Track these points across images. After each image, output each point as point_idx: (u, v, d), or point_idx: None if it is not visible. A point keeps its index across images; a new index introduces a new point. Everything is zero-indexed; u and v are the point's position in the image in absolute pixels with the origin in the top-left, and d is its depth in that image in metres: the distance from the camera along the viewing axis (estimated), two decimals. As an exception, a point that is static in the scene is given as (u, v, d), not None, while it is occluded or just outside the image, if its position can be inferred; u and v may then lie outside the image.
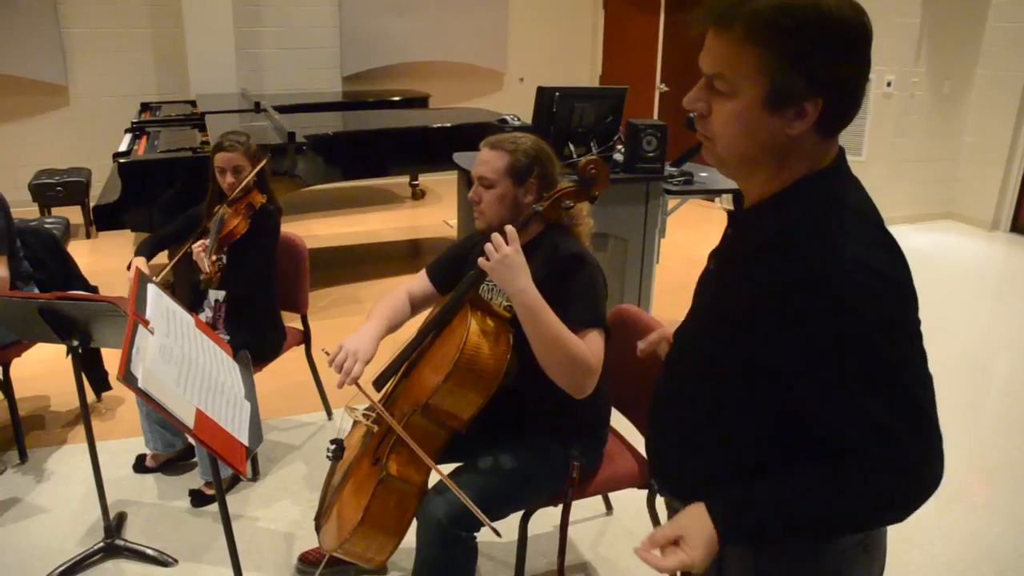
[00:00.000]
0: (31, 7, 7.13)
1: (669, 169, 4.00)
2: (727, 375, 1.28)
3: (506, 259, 1.94)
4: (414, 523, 2.13)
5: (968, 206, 7.54)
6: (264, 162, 3.22)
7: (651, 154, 3.76)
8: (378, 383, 2.22)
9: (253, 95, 6.74)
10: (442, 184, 8.16)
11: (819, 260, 1.12)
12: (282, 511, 3.07)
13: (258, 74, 7.96)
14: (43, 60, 7.29)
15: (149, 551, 2.81)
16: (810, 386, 1.17)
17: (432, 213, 7.44)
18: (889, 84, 7.01)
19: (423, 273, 2.52)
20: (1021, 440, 3.70)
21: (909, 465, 1.14)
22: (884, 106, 7.08)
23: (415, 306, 2.46)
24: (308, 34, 8.09)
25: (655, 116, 8.83)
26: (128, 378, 1.66)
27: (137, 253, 3.24)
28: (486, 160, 2.21)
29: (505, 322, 2.10)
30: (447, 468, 2.21)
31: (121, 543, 2.82)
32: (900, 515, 1.17)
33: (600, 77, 9.28)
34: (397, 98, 7.34)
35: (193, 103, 6.79)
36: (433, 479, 2.13)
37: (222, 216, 3.12)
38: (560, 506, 2.28)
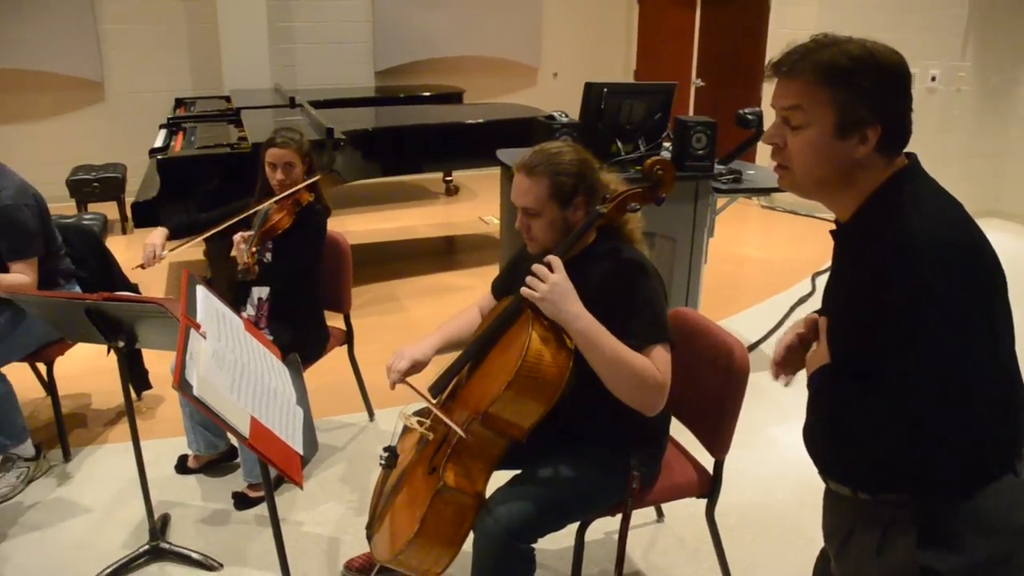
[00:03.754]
0: (68, 4, 7.15)
1: (718, 167, 3.90)
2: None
3: (555, 287, 1.90)
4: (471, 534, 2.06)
5: (1014, 203, 7.35)
6: (318, 178, 3.21)
7: (700, 152, 3.65)
8: (434, 389, 2.15)
9: (287, 90, 6.72)
10: (476, 180, 8.09)
11: (888, 236, 1.31)
12: (326, 514, 3.02)
13: (291, 69, 7.93)
14: (79, 56, 7.32)
15: (194, 555, 2.77)
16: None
17: (467, 209, 7.38)
18: (933, 79, 6.85)
19: (490, 289, 2.45)
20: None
21: None
22: (928, 101, 6.92)
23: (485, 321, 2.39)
24: (341, 29, 8.06)
25: (691, 111, 8.71)
26: (183, 386, 1.60)
27: (166, 225, 3.20)
28: (526, 189, 2.07)
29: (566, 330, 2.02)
30: (505, 476, 2.15)
31: (166, 546, 2.79)
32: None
33: (634, 72, 9.18)
34: (430, 93, 7.28)
35: (227, 98, 6.77)
36: (491, 489, 2.06)
37: (267, 210, 3.09)
38: (616, 516, 2.22)
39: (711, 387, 2.29)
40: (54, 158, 7.02)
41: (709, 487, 2.37)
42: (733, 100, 6.40)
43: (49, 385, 3.39)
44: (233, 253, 3.05)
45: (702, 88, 8.34)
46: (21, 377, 3.38)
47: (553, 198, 2.05)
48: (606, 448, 2.16)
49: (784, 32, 6.88)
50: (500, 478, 2.13)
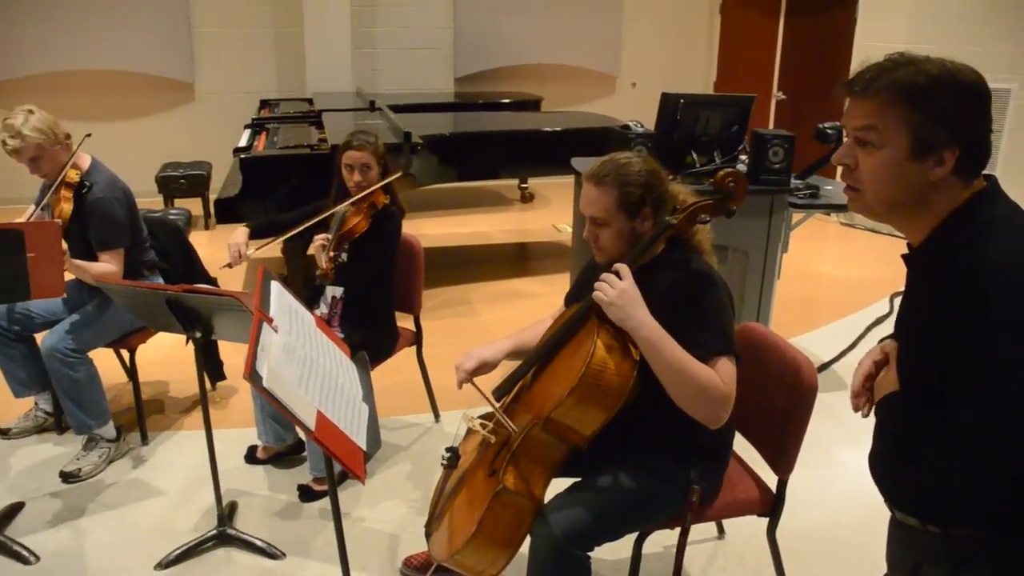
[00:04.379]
0: (166, 10, 7.47)
1: (795, 182, 3.84)
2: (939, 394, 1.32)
3: (623, 294, 1.90)
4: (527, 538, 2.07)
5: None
6: (398, 174, 3.27)
7: (777, 165, 3.60)
8: (498, 392, 2.17)
9: (368, 94, 6.85)
10: (551, 187, 8.12)
11: (963, 259, 1.27)
12: (388, 512, 3.06)
13: (373, 73, 8.09)
14: (174, 59, 7.63)
15: (258, 542, 2.85)
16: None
17: (541, 217, 7.40)
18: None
19: (563, 300, 2.47)
20: None
21: None
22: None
23: None
24: (422, 35, 8.18)
25: (771, 125, 8.57)
26: (254, 377, 1.65)
27: (247, 224, 3.29)
28: (594, 199, 2.08)
29: (632, 338, 2.02)
30: (564, 483, 2.15)
31: (232, 532, 2.87)
32: None
33: (714, 83, 9.08)
34: (509, 100, 7.33)
35: (310, 101, 6.94)
36: (549, 495, 2.07)
37: (344, 213, 3.15)
38: (675, 529, 2.21)
39: (777, 404, 2.26)
40: (145, 155, 7.30)
41: (771, 506, 2.33)
42: (814, 114, 6.27)
43: (131, 371, 3.54)
44: (310, 251, 3.13)
45: (783, 101, 8.20)
46: (106, 363, 3.52)
47: (621, 208, 2.05)
48: (668, 459, 2.14)
49: (870, 45, 6.72)
50: (559, 484, 2.14)
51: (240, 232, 3.25)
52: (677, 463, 2.14)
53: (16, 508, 3.08)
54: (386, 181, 3.22)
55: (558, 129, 5.58)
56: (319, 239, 3.09)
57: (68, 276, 3.04)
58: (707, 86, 9.11)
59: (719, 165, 3.76)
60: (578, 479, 2.18)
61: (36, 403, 3.65)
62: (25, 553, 2.82)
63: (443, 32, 8.23)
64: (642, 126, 3.81)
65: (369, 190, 3.17)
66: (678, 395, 1.93)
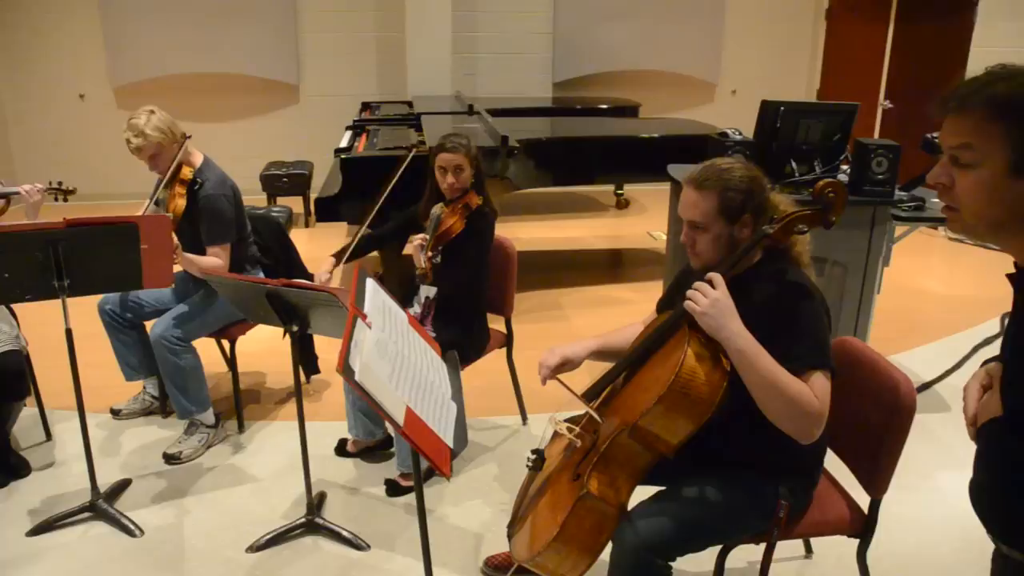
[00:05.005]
0: (275, 15, 7.76)
1: (899, 193, 3.71)
2: None
3: (716, 303, 1.87)
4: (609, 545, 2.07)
5: None
6: (475, 155, 3.29)
7: (880, 176, 3.49)
8: (586, 397, 2.17)
9: (466, 98, 6.94)
10: (647, 194, 8.06)
11: None
12: (472, 511, 3.10)
13: (472, 78, 8.20)
14: (280, 62, 7.92)
15: (345, 533, 2.92)
16: None
17: (636, 223, 7.35)
18: None
19: (655, 307, 2.45)
20: None
21: None
22: None
23: None
24: (522, 40, 8.25)
25: (875, 135, 8.30)
26: (346, 370, 1.70)
27: (335, 256, 3.36)
28: (694, 202, 2.06)
29: (724, 349, 1.99)
30: (648, 491, 2.14)
31: (320, 521, 2.96)
32: None
33: (817, 92, 8.84)
34: (606, 106, 7.31)
35: (410, 103, 7.08)
36: (633, 502, 2.06)
37: (440, 215, 3.20)
38: (760, 545, 2.16)
39: (873, 423, 2.18)
40: (250, 154, 7.58)
41: (863, 527, 2.26)
42: (922, 123, 6.04)
43: (231, 361, 3.68)
44: (407, 251, 3.19)
45: (889, 110, 7.93)
46: (208, 352, 3.68)
47: (721, 213, 2.03)
48: (756, 473, 2.10)
49: (986, 51, 6.43)
50: (644, 492, 2.13)
51: (328, 262, 3.32)
52: (765, 477, 2.10)
53: (124, 484, 3.26)
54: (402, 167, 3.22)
55: (655, 136, 5.54)
56: (417, 239, 3.15)
57: (176, 268, 3.19)
58: (810, 94, 8.88)
59: (819, 175, 3.66)
60: (663, 488, 2.16)
61: (144, 387, 3.84)
62: (131, 526, 2.99)
63: (542, 37, 8.28)
64: (740, 134, 3.76)
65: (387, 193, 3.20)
66: (769, 409, 1.89)
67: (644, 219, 7.51)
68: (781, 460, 2.09)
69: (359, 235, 3.35)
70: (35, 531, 2.99)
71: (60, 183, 3.47)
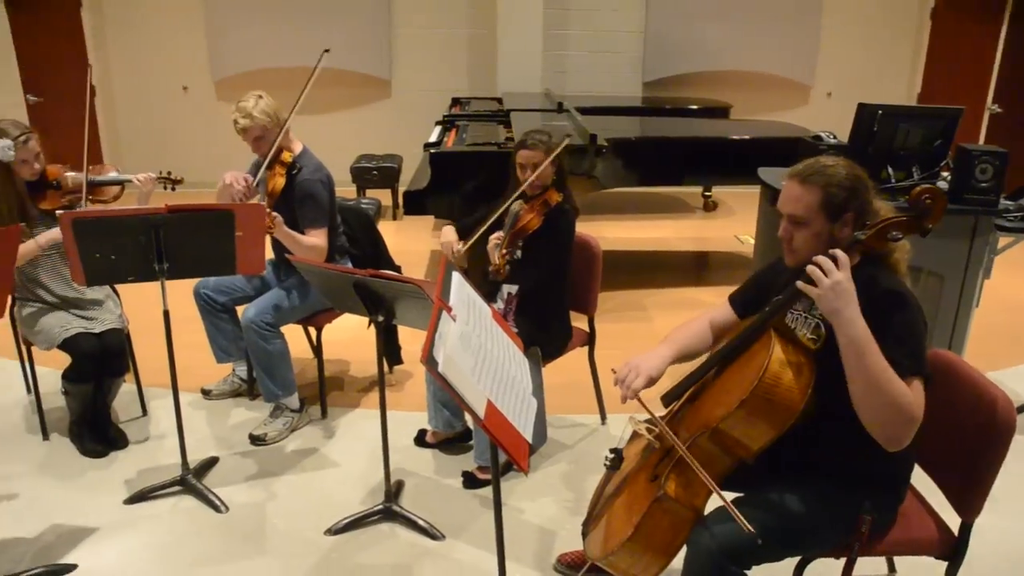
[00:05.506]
0: (369, 10, 7.92)
1: (1004, 203, 3.56)
2: None
3: (837, 285, 1.80)
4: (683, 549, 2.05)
5: None
6: (564, 144, 3.26)
7: (984, 184, 3.35)
8: (667, 399, 2.16)
9: (556, 95, 6.94)
10: (735, 197, 7.92)
11: None
12: (547, 507, 3.11)
13: (561, 75, 8.19)
14: (373, 57, 8.08)
15: (421, 522, 2.97)
16: None
17: (723, 226, 7.24)
18: None
19: (726, 301, 2.41)
20: None
21: None
22: None
23: (717, 336, 2.35)
24: (612, 38, 8.20)
25: (981, 140, 7.97)
26: (430, 361, 1.73)
27: (454, 225, 3.43)
28: (796, 196, 2.01)
29: (810, 355, 1.95)
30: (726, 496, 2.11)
31: (397, 509, 3.01)
32: None
33: (918, 95, 8.53)
34: (696, 106, 7.22)
35: (499, 100, 7.12)
36: (709, 507, 2.03)
37: (517, 211, 3.22)
38: (840, 559, 2.11)
39: (966, 440, 2.10)
40: (342, 146, 7.75)
41: (952, 550, 2.17)
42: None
43: (317, 348, 3.78)
44: (488, 249, 3.22)
45: (998, 115, 7.60)
46: (295, 339, 3.78)
47: (823, 209, 1.98)
48: (839, 484, 2.05)
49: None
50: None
51: (450, 231, 3.40)
52: (849, 489, 2.04)
53: (212, 461, 3.39)
54: (548, 160, 3.20)
55: (746, 137, 5.45)
56: (493, 237, 3.17)
57: (269, 255, 3.29)
58: (910, 97, 8.58)
59: (916, 181, 3.54)
60: (740, 494, 2.13)
61: (234, 369, 3.98)
62: (217, 502, 3.11)
63: (633, 36, 8.22)
64: (835, 137, 3.66)
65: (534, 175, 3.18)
66: (867, 406, 1.84)
67: (731, 222, 7.39)
68: (867, 472, 2.03)
69: (489, 222, 3.32)
70: (131, 500, 3.14)
71: (169, 173, 3.62)
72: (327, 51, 3.47)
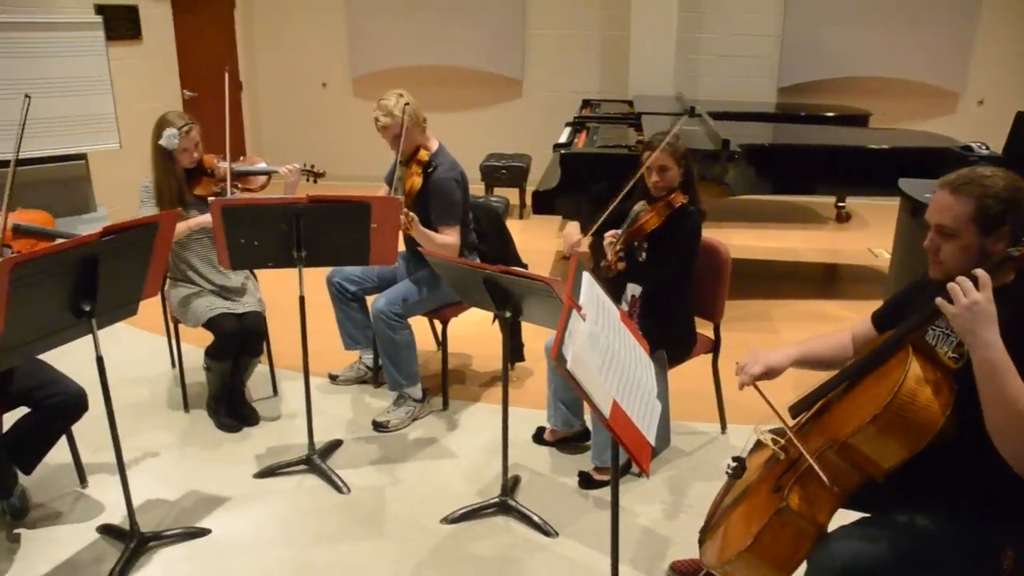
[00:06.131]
0: (504, 11, 8.04)
1: None
2: None
3: (975, 306, 1.72)
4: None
5: None
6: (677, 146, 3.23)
7: None
8: (794, 410, 2.11)
9: (687, 99, 6.86)
10: (871, 209, 7.62)
11: None
12: (662, 512, 3.09)
13: (693, 79, 8.08)
14: (506, 57, 8.20)
15: (535, 517, 3.00)
16: None
17: (856, 239, 6.97)
18: None
19: (868, 318, 2.32)
20: None
21: None
22: None
23: (857, 350, 2.27)
24: (747, 42, 8.03)
25: None
26: (559, 358, 1.76)
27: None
28: (947, 206, 1.92)
29: (949, 374, 1.86)
30: (851, 516, 2.04)
31: (513, 503, 3.06)
32: None
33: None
34: (832, 114, 6.98)
35: (630, 103, 7.09)
36: (834, 524, 1.97)
37: (638, 211, 3.21)
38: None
39: None
40: (472, 144, 7.87)
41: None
42: None
43: (442, 341, 3.87)
44: (604, 246, 3.23)
45: None
46: (421, 331, 3.88)
47: (975, 221, 1.89)
48: (978, 513, 1.94)
49: None
50: (844, 516, 2.03)
51: (574, 226, 3.43)
52: (989, 520, 1.93)
53: (336, 444, 3.53)
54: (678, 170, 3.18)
55: (886, 147, 5.23)
56: (608, 235, 3.17)
57: (401, 248, 3.39)
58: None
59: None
60: (867, 515, 2.05)
61: (360, 357, 4.12)
62: (340, 483, 3.24)
63: (770, 40, 8.01)
64: (987, 148, 3.48)
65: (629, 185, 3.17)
66: (1002, 433, 1.74)
67: (866, 235, 7.10)
68: (1009, 504, 1.92)
69: (609, 210, 3.33)
70: (260, 474, 3.31)
71: (312, 166, 3.78)
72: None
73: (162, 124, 3.44)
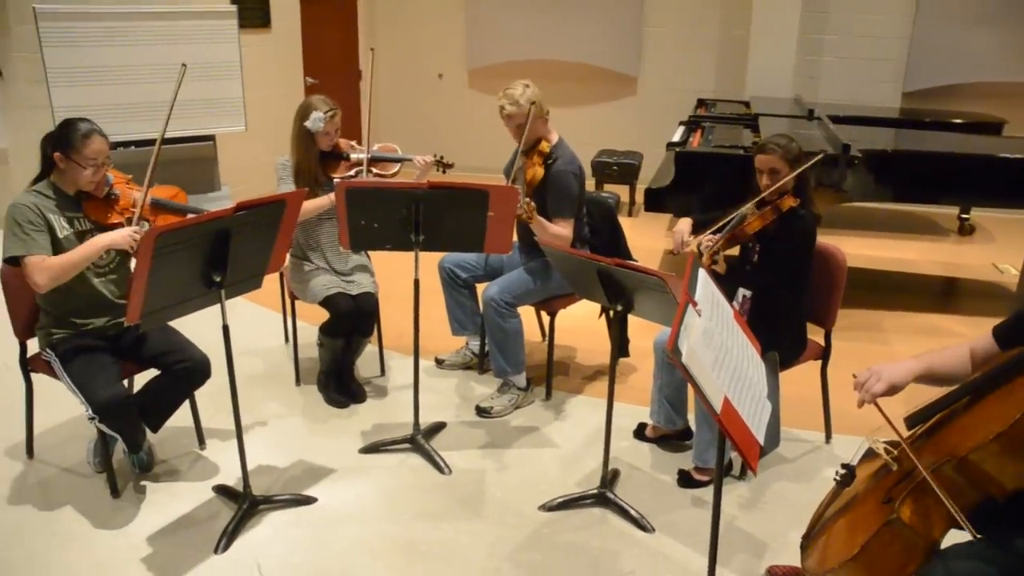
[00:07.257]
0: (622, 8, 8.04)
1: None
2: None
3: None
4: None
5: None
6: (806, 165, 3.16)
7: None
8: (911, 421, 2.06)
9: (806, 102, 6.69)
10: (998, 222, 7.28)
11: None
12: (761, 517, 3.05)
13: (813, 81, 7.88)
14: (622, 54, 8.20)
15: (633, 511, 3.02)
16: None
17: (979, 253, 6.66)
18: None
19: (989, 333, 2.24)
20: None
21: None
22: None
23: (976, 365, 2.20)
24: (872, 45, 7.76)
25: None
26: (675, 352, 1.77)
27: (691, 217, 3.44)
28: None
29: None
30: (964, 536, 1.98)
31: (611, 496, 3.08)
32: None
33: None
34: (961, 121, 6.68)
35: (747, 104, 6.97)
36: (947, 541, 1.92)
37: (744, 213, 3.17)
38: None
39: None
40: (585, 140, 7.87)
41: None
42: None
43: (549, 333, 3.92)
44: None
45: None
46: (527, 321, 3.92)
47: None
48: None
49: None
50: (956, 536, 1.97)
51: (684, 222, 3.43)
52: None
53: (440, 426, 3.63)
54: (791, 174, 3.13)
55: (1019, 157, 4.98)
56: (706, 236, 3.16)
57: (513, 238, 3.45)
58: None
59: None
60: (981, 536, 1.98)
61: (467, 343, 4.21)
62: (442, 464, 3.33)
63: (897, 42, 7.71)
64: None
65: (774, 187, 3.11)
66: None
67: (990, 249, 6.78)
68: None
69: (733, 217, 3.30)
70: (365, 449, 3.44)
71: (442, 157, 3.88)
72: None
73: (308, 107, 3.61)
